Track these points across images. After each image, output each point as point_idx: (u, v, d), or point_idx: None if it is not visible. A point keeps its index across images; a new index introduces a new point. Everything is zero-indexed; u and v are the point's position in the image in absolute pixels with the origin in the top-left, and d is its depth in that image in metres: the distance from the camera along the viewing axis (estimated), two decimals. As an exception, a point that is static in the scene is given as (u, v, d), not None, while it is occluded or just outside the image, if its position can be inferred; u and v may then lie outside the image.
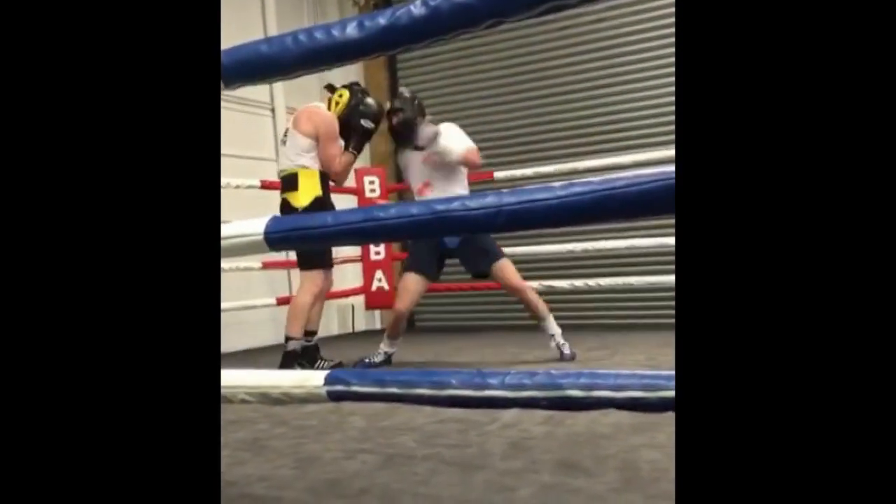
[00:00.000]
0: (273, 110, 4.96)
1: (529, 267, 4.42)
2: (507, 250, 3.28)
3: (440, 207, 1.01)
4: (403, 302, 3.17)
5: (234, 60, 1.06)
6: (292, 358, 3.06)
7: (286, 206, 3.05)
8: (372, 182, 4.66)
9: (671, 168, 0.84)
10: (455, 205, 0.99)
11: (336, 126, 3.08)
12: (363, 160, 4.92)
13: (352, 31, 0.96)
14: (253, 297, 4.19)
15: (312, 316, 3.16)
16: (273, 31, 4.77)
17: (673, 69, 4.60)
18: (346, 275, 4.92)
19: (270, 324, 4.47)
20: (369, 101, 3.14)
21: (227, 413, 2.12)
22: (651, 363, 2.91)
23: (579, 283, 3.99)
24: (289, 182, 3.07)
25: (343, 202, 3.76)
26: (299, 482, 1.49)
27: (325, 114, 3.10)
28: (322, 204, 3.03)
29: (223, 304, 3.40)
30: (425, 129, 3.02)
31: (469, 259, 3.17)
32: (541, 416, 1.89)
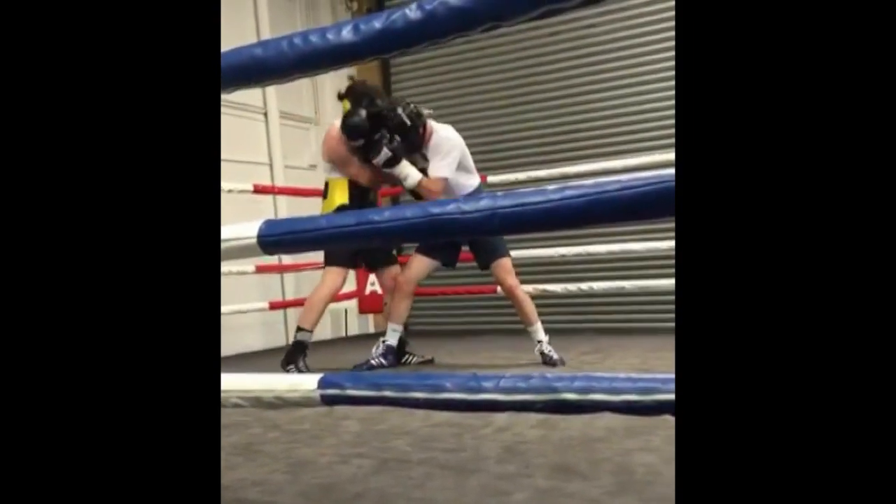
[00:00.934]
0: (266, 114, 4.95)
1: (523, 271, 4.40)
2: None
3: (435, 210, 1.01)
4: (405, 274, 3.19)
5: (229, 64, 1.05)
6: (300, 349, 3.11)
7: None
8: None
9: (664, 172, 0.85)
10: (450, 208, 0.99)
11: (340, 149, 3.10)
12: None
13: (347, 34, 0.95)
14: (245, 302, 4.18)
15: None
16: (266, 35, 4.76)
17: (666, 74, 4.64)
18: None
19: (262, 328, 4.44)
20: (354, 118, 3.02)
21: (220, 417, 2.11)
22: (644, 367, 2.92)
23: (573, 286, 4.00)
24: (324, 190, 3.26)
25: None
26: (293, 487, 1.49)
27: (330, 139, 3.15)
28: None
29: (216, 309, 3.38)
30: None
31: (479, 250, 3.18)
32: (535, 419, 1.89)
